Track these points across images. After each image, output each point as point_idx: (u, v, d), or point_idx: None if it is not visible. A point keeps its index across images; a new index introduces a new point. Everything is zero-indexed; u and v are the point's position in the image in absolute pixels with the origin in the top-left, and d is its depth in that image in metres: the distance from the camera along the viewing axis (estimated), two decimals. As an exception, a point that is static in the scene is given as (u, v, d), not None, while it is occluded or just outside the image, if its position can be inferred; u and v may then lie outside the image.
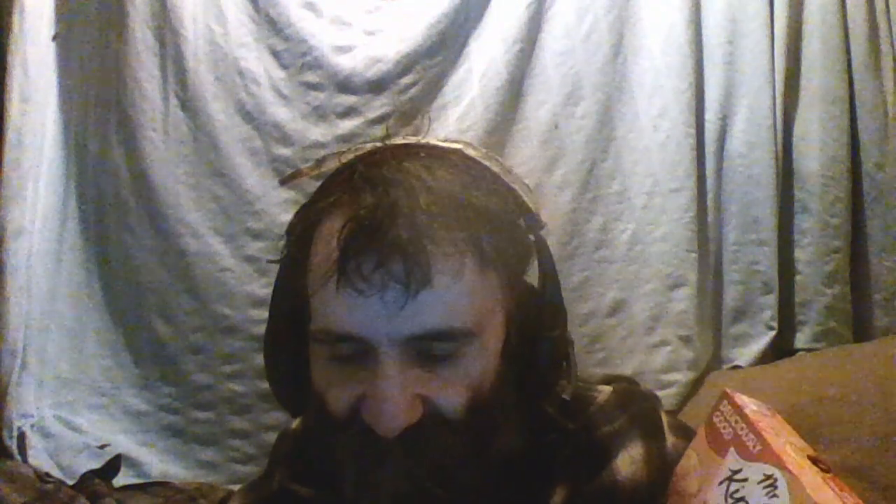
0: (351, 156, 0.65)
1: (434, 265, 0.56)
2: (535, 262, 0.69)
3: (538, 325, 0.65)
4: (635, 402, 0.71)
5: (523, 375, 0.64)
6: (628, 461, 0.66)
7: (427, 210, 0.56)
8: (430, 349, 0.57)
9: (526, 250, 0.67)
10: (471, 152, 0.67)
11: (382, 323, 0.56)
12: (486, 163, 0.67)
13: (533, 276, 0.70)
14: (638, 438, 0.67)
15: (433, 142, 0.67)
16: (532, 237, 0.69)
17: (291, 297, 0.63)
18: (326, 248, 0.58)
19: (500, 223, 0.62)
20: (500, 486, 0.61)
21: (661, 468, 0.66)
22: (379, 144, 0.66)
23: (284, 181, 0.73)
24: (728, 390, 0.63)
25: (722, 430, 0.60)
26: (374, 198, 0.57)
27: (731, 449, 0.58)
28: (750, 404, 0.62)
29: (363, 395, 0.57)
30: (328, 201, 0.61)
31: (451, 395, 0.57)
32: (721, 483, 0.56)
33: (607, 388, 0.72)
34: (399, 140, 0.67)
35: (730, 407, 0.62)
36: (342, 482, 0.58)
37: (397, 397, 0.55)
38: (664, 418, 0.71)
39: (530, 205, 0.68)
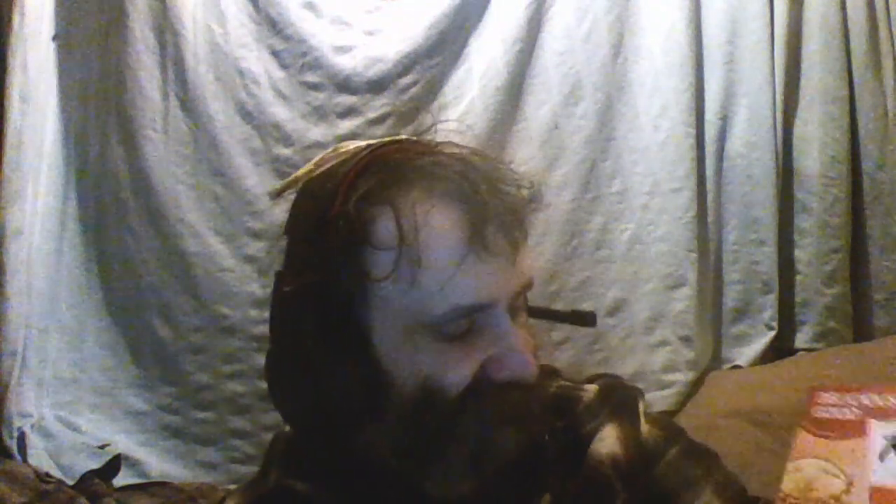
0: (348, 161, 0.63)
1: (520, 224, 0.60)
2: None
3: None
4: (616, 395, 0.72)
5: None
6: (599, 441, 0.68)
7: (492, 177, 0.60)
8: (518, 302, 0.62)
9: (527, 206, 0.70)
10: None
11: (503, 284, 0.59)
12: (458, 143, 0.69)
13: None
14: (612, 422, 0.69)
15: (421, 139, 0.67)
16: None
17: (343, 292, 0.60)
18: (443, 231, 0.58)
19: (516, 182, 0.65)
20: (496, 486, 0.61)
21: (636, 449, 0.68)
22: (377, 141, 0.66)
23: (278, 194, 0.70)
24: (814, 386, 0.64)
25: (839, 417, 0.60)
26: (470, 177, 0.59)
27: (871, 421, 0.57)
28: (834, 388, 0.63)
29: (486, 360, 0.59)
30: (392, 192, 0.59)
31: (532, 336, 0.62)
32: (885, 454, 0.56)
33: (593, 387, 0.73)
34: (396, 138, 0.67)
35: (829, 395, 0.61)
36: (452, 456, 0.59)
37: (528, 342, 0.60)
38: (641, 407, 0.73)
39: None
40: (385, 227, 0.58)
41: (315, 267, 0.61)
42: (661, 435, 0.69)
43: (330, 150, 0.66)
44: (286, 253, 0.65)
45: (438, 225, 0.58)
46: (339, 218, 0.60)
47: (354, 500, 0.61)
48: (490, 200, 0.58)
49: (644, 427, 0.70)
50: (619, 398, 0.72)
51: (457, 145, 0.65)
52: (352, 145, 0.66)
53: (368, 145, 0.64)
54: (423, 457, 0.60)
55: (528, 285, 0.61)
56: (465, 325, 0.59)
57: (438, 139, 0.68)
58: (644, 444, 0.68)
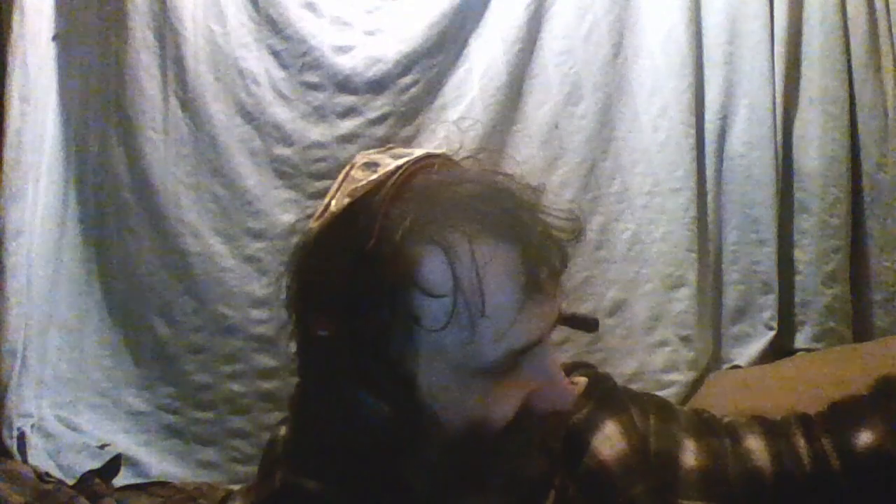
0: (375, 182, 0.60)
1: (558, 254, 0.61)
2: None
3: None
4: (597, 386, 0.73)
5: None
6: (605, 441, 0.69)
7: (528, 209, 0.60)
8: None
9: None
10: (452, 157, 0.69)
11: (551, 318, 0.60)
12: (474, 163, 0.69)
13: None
14: (607, 418, 0.70)
15: (420, 152, 0.66)
16: None
17: (386, 337, 0.57)
18: (499, 272, 0.56)
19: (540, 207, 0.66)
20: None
21: (638, 436, 0.70)
22: (399, 164, 0.63)
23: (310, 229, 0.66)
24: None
25: None
26: (506, 209, 0.58)
27: None
28: None
29: (530, 393, 0.60)
30: (438, 230, 0.56)
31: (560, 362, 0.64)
32: None
33: (582, 381, 0.73)
34: (391, 156, 0.64)
35: None
36: (493, 482, 0.60)
37: (564, 376, 0.61)
38: (623, 393, 0.75)
39: None
40: (436, 269, 0.55)
41: (352, 309, 0.57)
42: (641, 413, 0.72)
43: (354, 166, 0.62)
44: (310, 288, 0.60)
45: (497, 270, 0.56)
46: (380, 257, 0.56)
47: (366, 499, 0.61)
48: (541, 240, 0.58)
49: (633, 411, 0.72)
50: (602, 392, 0.74)
51: (486, 168, 0.64)
52: (376, 159, 0.62)
53: (398, 168, 0.60)
54: (461, 488, 0.60)
55: (562, 315, 0.62)
56: (514, 363, 0.59)
57: (460, 152, 0.67)
58: (637, 427, 0.70)
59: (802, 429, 0.72)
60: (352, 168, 0.62)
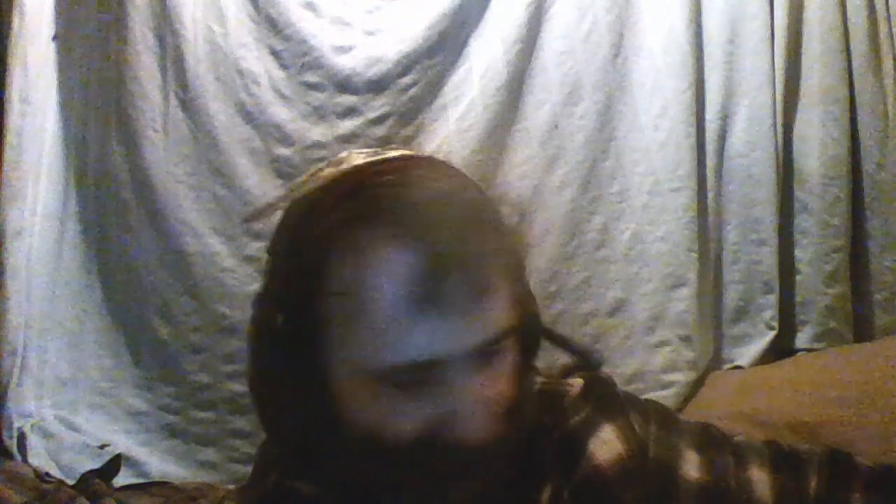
0: (326, 183, 0.62)
1: (488, 272, 0.57)
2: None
3: (522, 304, 0.65)
4: (596, 389, 0.72)
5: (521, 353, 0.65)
6: (602, 445, 0.67)
7: (466, 221, 0.57)
8: (489, 352, 0.58)
9: (518, 243, 0.67)
10: (437, 159, 0.67)
11: (459, 338, 0.56)
12: (457, 168, 0.67)
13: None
14: (604, 422, 0.69)
15: (412, 153, 0.66)
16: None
17: (304, 330, 0.60)
18: (392, 278, 0.56)
19: (500, 222, 0.63)
20: (494, 485, 0.62)
21: (636, 442, 0.68)
22: (364, 161, 0.64)
23: (249, 219, 0.70)
24: None
25: None
26: (425, 222, 0.56)
27: None
28: None
29: (439, 414, 0.57)
30: (362, 230, 0.58)
31: (507, 389, 0.59)
32: None
33: (579, 382, 0.73)
34: (375, 155, 0.65)
35: None
36: (406, 500, 0.59)
37: (483, 407, 0.57)
38: (622, 398, 0.73)
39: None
40: (343, 271, 0.57)
41: (282, 298, 0.61)
42: (641, 418, 0.70)
43: (327, 163, 0.64)
44: (266, 270, 0.64)
45: (392, 275, 0.56)
46: (304, 252, 0.59)
47: (360, 502, 0.61)
48: (457, 251, 0.55)
49: (631, 415, 0.70)
50: (600, 395, 0.73)
51: (450, 175, 0.62)
52: (345, 157, 0.64)
53: (355, 168, 0.62)
54: (375, 498, 0.59)
55: (501, 336, 0.58)
56: (419, 377, 0.57)
57: (440, 153, 0.67)
58: (636, 433, 0.69)
59: (830, 471, 0.68)
60: (327, 164, 0.64)
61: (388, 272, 0.56)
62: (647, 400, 0.75)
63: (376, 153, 0.64)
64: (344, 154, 0.65)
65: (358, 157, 0.64)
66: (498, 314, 0.58)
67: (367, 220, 0.58)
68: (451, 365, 0.57)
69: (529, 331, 0.65)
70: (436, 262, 0.55)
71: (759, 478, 0.68)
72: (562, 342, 0.68)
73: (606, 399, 0.72)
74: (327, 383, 0.60)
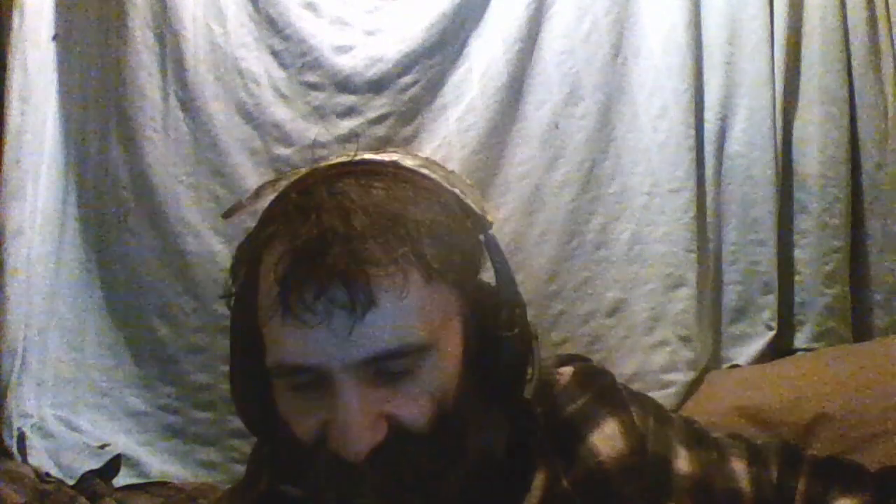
0: (285, 182, 0.66)
1: (376, 286, 0.56)
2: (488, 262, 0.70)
3: (496, 325, 0.65)
4: (595, 380, 0.73)
5: (488, 376, 0.64)
6: (604, 440, 0.69)
7: (363, 232, 0.57)
8: (386, 368, 0.58)
9: (475, 253, 0.67)
10: (407, 162, 0.67)
11: (334, 350, 0.56)
12: (424, 170, 0.67)
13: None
14: (607, 416, 0.70)
15: (367, 156, 0.67)
16: (482, 237, 0.68)
17: (245, 334, 0.64)
18: (268, 283, 0.59)
19: (443, 231, 0.62)
20: (482, 482, 0.62)
21: (637, 437, 0.69)
22: (315, 167, 0.67)
23: (226, 215, 0.74)
24: None
25: None
26: (307, 226, 0.57)
27: None
28: None
29: (327, 421, 0.58)
30: (266, 234, 0.62)
31: (414, 408, 0.58)
32: None
33: (568, 370, 0.74)
34: (332, 160, 0.67)
35: None
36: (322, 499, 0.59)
37: (359, 421, 0.56)
38: (623, 391, 0.74)
39: (474, 205, 0.68)
40: (249, 271, 0.63)
41: (229, 294, 0.67)
42: (641, 412, 0.72)
43: (271, 178, 0.71)
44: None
45: (265, 278, 0.60)
46: (238, 252, 0.66)
47: None
48: (333, 261, 0.55)
49: (633, 411, 0.72)
50: (600, 386, 0.74)
51: (384, 176, 0.63)
52: (330, 160, 0.68)
53: (307, 172, 0.66)
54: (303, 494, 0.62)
55: (389, 354, 0.58)
56: (304, 380, 0.59)
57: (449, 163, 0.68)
58: (637, 427, 0.71)
59: (782, 459, 0.72)
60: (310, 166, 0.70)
61: (270, 275, 0.58)
62: (640, 393, 0.77)
63: (346, 158, 0.67)
64: (336, 156, 0.68)
65: (337, 159, 0.67)
66: (394, 331, 0.57)
67: (269, 223, 0.62)
68: (330, 375, 0.57)
69: (495, 355, 0.64)
70: (303, 269, 0.56)
71: (739, 469, 0.71)
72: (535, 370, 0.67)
73: (607, 391, 0.73)
74: (265, 375, 0.63)
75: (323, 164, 0.67)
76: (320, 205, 0.58)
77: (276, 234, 0.60)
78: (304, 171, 0.67)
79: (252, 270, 0.63)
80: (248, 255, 0.64)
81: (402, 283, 0.57)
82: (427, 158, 0.70)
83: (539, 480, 0.66)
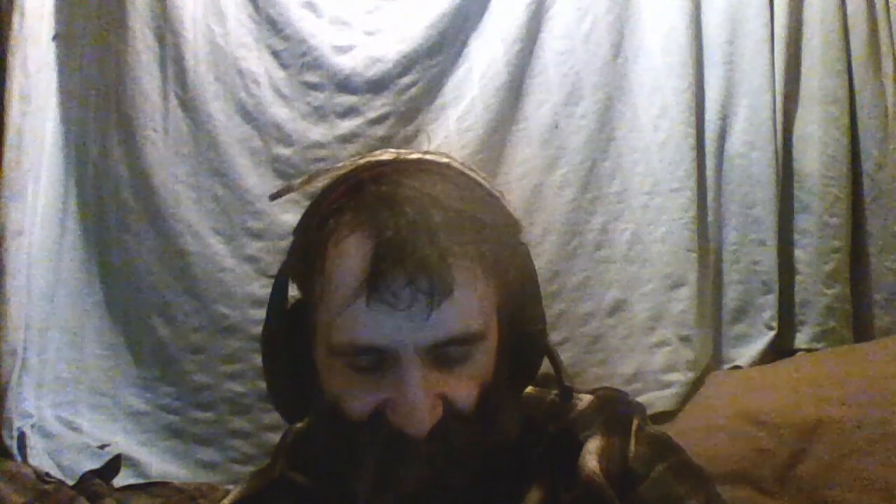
0: (344, 171, 0.70)
1: (455, 278, 0.61)
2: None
3: (522, 321, 0.70)
4: (611, 407, 0.74)
5: (512, 368, 0.69)
6: (589, 455, 0.70)
7: (444, 226, 0.62)
8: (447, 353, 0.63)
9: (517, 255, 0.71)
10: (456, 165, 0.72)
11: (409, 333, 0.61)
12: (471, 174, 0.72)
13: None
14: (599, 434, 0.71)
15: (426, 156, 0.70)
16: (522, 240, 0.74)
17: (296, 306, 0.69)
18: (350, 265, 0.62)
19: (497, 232, 0.67)
20: (481, 482, 0.64)
21: (620, 465, 0.69)
22: (378, 159, 0.70)
23: (275, 196, 0.77)
24: None
25: None
26: (394, 217, 0.61)
27: None
28: None
29: (387, 400, 0.62)
30: (343, 217, 0.65)
31: (465, 391, 0.63)
32: None
33: (588, 397, 0.75)
34: (390, 154, 0.70)
35: None
36: (360, 479, 0.63)
37: (424, 400, 0.61)
38: (635, 424, 0.73)
39: (511, 210, 0.74)
40: (321, 254, 0.65)
41: (288, 272, 0.70)
42: (649, 453, 0.70)
43: (326, 167, 0.73)
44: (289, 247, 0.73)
45: (344, 263, 0.63)
46: (305, 233, 0.68)
47: (349, 496, 0.65)
48: (423, 253, 0.60)
49: (634, 446, 0.71)
50: (613, 412, 0.74)
51: (445, 176, 0.68)
52: (377, 154, 0.71)
53: (365, 164, 0.69)
54: (336, 473, 0.65)
55: (457, 340, 0.63)
56: (369, 362, 0.63)
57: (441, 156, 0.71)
58: (630, 461, 0.70)
59: None
60: (357, 157, 0.72)
61: (350, 260, 0.62)
62: (681, 454, 0.72)
63: (399, 154, 0.71)
64: (378, 151, 0.72)
65: (387, 154, 0.71)
66: (462, 319, 0.63)
67: (346, 211, 0.65)
68: (399, 357, 0.61)
69: (520, 347, 0.69)
70: (392, 258, 0.60)
71: None
72: (555, 367, 0.71)
73: (615, 421, 0.73)
74: (314, 354, 0.67)
75: (371, 157, 0.71)
76: (402, 197, 0.63)
77: (358, 221, 0.63)
78: (363, 160, 0.70)
79: (319, 246, 0.66)
80: (317, 230, 0.67)
81: (472, 276, 0.63)
82: (467, 163, 0.74)
83: (535, 495, 0.68)
